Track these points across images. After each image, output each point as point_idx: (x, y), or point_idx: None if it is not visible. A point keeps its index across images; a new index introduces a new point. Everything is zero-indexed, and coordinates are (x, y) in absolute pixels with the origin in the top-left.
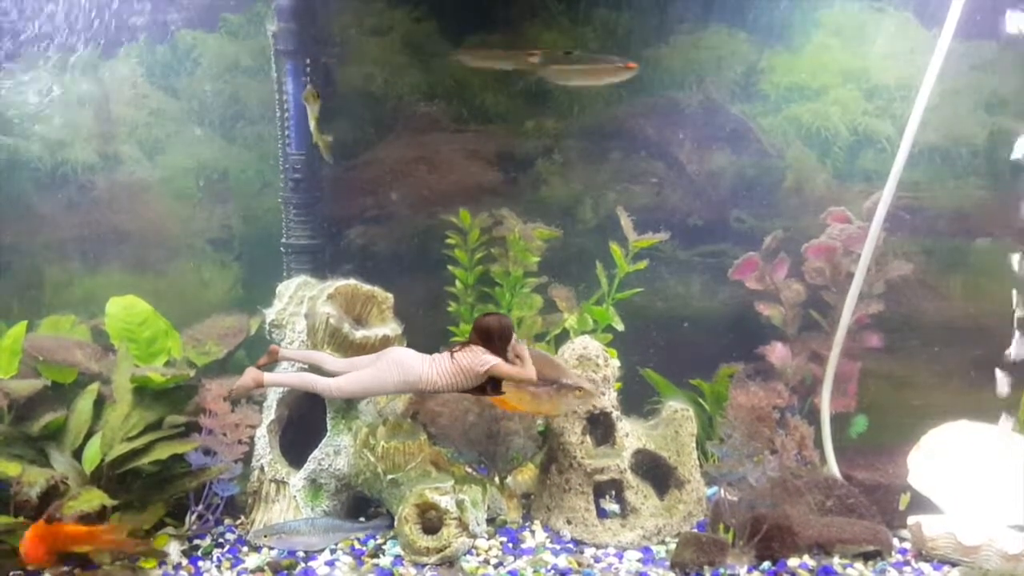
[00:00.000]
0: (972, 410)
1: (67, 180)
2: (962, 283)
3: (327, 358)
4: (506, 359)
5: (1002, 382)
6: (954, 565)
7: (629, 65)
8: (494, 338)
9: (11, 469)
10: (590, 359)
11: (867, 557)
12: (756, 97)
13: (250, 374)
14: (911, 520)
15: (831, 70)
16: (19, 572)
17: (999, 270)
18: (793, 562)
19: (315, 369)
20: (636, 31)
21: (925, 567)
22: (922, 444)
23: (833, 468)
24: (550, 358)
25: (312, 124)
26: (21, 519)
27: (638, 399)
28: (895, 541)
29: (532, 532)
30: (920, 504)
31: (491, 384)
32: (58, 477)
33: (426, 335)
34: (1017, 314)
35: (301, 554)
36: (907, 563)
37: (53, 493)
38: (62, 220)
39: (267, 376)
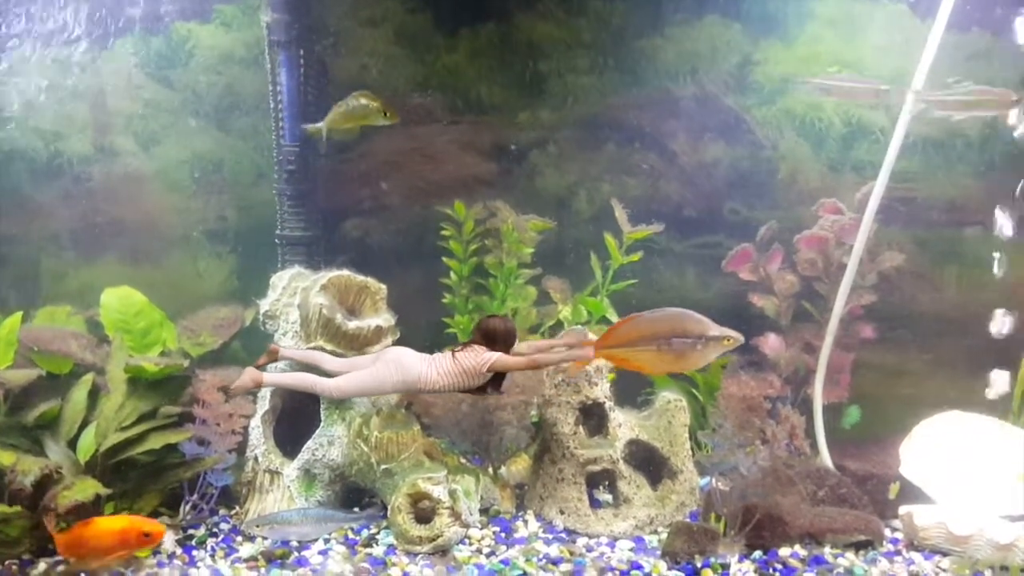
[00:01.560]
0: (964, 401)
1: (63, 172)
2: (955, 274)
3: (326, 358)
4: None
5: (999, 382)
6: (945, 555)
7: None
8: (498, 340)
9: (5, 458)
10: None
11: (858, 547)
12: (750, 88)
13: (249, 374)
14: (903, 510)
15: (825, 61)
16: (15, 561)
17: (991, 261)
18: (784, 552)
19: (314, 369)
20: (631, 22)
21: (916, 557)
22: (914, 434)
23: (825, 458)
24: (690, 313)
25: (334, 121)
26: (18, 508)
27: (632, 389)
28: (887, 531)
29: (525, 522)
30: (912, 494)
31: (491, 384)
32: (52, 466)
33: (421, 327)
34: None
35: (295, 544)
36: (898, 553)
37: (47, 482)
38: (58, 211)
39: (266, 376)
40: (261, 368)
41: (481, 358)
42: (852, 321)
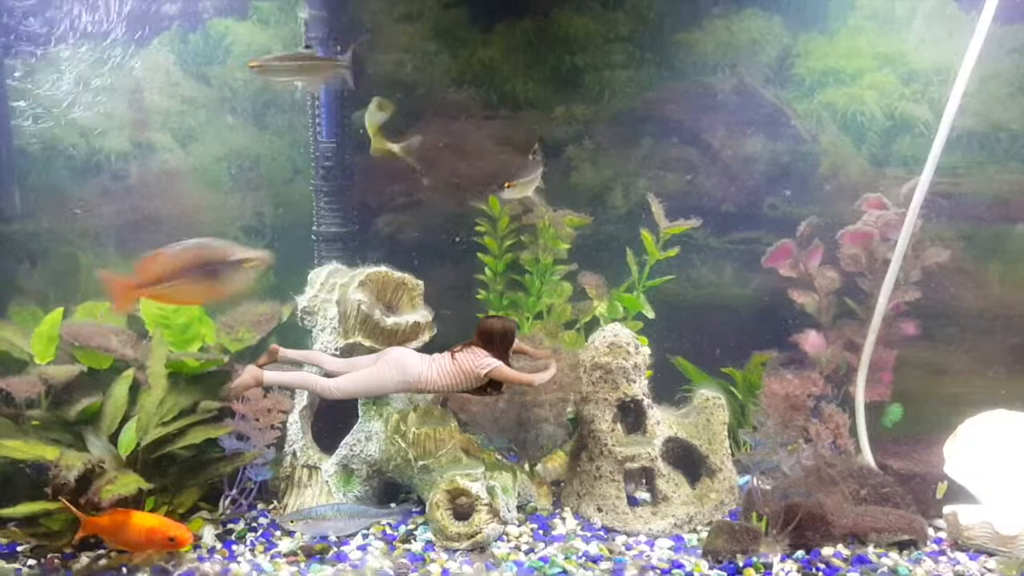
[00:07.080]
0: (1010, 399)
1: (101, 168)
2: (1000, 270)
3: (327, 358)
4: (507, 362)
5: None
6: (991, 555)
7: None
8: (495, 341)
9: (49, 453)
10: (621, 346)
11: (902, 547)
12: (790, 82)
13: (250, 372)
14: (947, 509)
15: (867, 54)
16: (57, 555)
17: None
18: (827, 551)
19: (315, 369)
20: (669, 15)
21: (961, 557)
22: (959, 433)
23: (868, 457)
24: (209, 241)
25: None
26: (60, 503)
27: (669, 387)
28: (931, 531)
29: (563, 519)
30: (956, 493)
31: (491, 385)
32: (95, 461)
33: (456, 322)
34: None
35: (333, 539)
36: (943, 552)
37: (90, 477)
38: (97, 207)
39: (267, 375)
40: (263, 368)
41: (480, 363)
42: (895, 318)
